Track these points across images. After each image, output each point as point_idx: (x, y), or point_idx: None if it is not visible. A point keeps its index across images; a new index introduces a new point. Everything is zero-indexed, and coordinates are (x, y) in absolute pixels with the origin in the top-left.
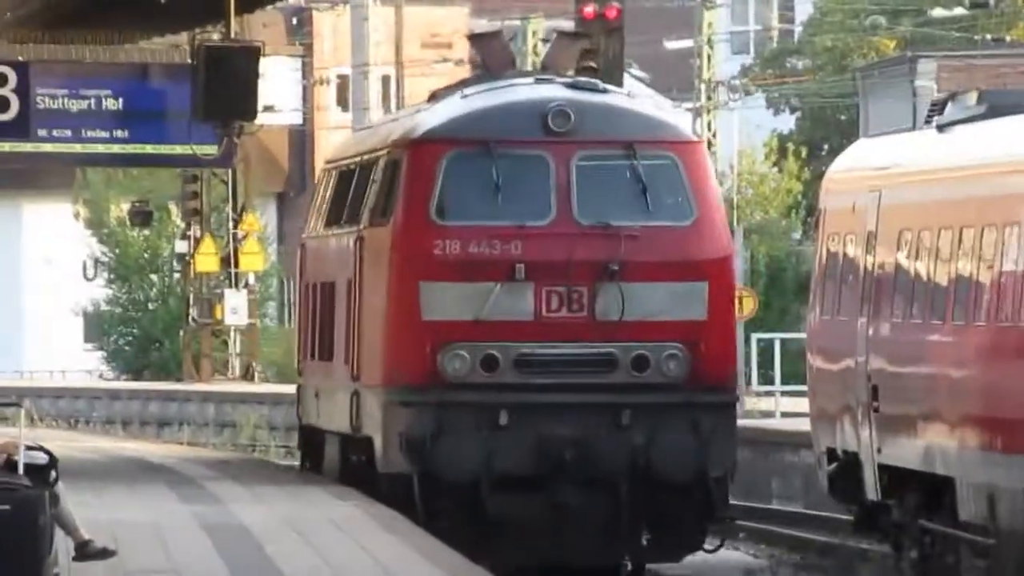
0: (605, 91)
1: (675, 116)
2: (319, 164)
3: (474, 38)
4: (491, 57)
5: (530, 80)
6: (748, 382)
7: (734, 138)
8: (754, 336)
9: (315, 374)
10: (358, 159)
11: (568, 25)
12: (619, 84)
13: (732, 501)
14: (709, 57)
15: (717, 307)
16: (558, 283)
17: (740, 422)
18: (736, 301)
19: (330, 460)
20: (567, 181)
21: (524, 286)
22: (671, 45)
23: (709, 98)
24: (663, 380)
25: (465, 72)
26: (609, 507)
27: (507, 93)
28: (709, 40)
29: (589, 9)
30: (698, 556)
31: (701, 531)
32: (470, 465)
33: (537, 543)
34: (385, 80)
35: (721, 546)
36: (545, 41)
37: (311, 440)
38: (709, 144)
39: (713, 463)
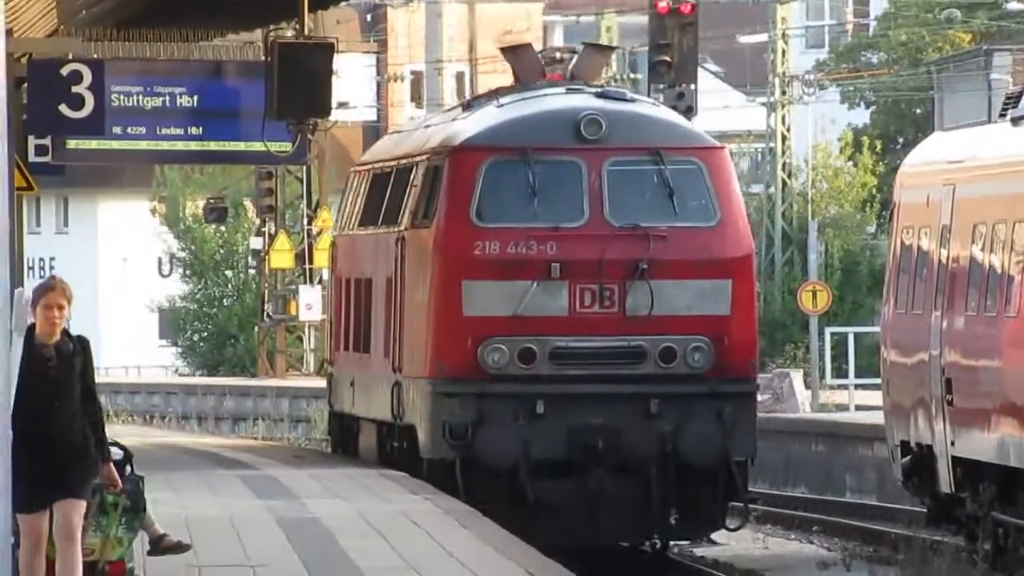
0: (633, 100)
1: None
2: None
3: (506, 50)
4: (522, 67)
5: (561, 90)
6: (822, 376)
7: (808, 132)
8: (828, 330)
9: (350, 364)
10: (394, 163)
11: (643, 21)
12: (693, 79)
13: (806, 494)
14: (783, 52)
15: (740, 303)
16: (591, 281)
17: (815, 415)
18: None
19: (366, 446)
20: (599, 185)
21: (559, 284)
22: (745, 40)
23: (783, 92)
24: (689, 371)
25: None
26: (639, 490)
27: (541, 102)
28: (783, 35)
29: (663, 4)
30: (771, 549)
31: (723, 512)
32: (509, 451)
33: (572, 525)
34: (459, 76)
35: (743, 526)
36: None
37: (343, 426)
38: (783, 138)
39: (735, 448)
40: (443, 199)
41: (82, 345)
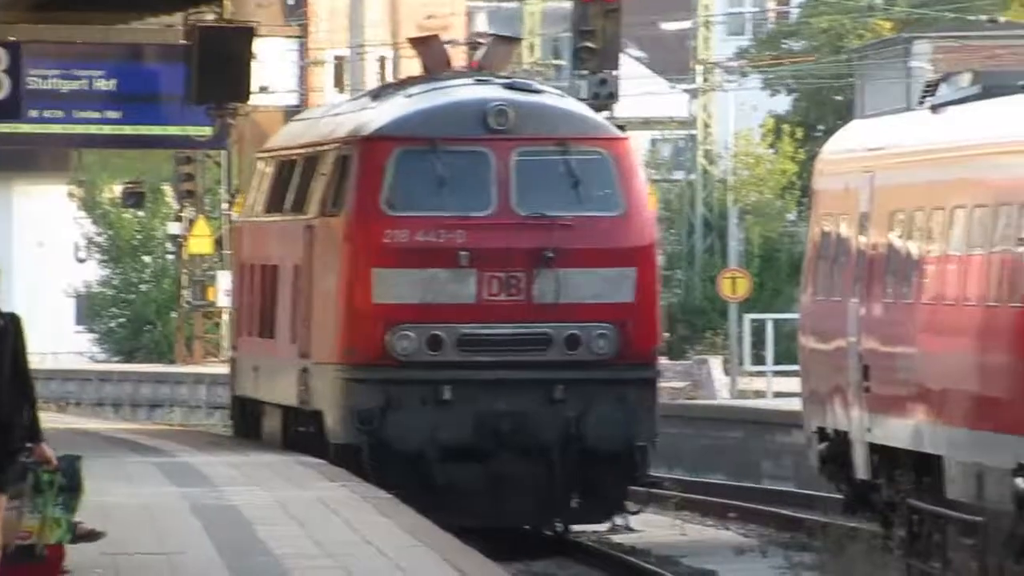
0: (540, 91)
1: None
2: None
3: (414, 40)
4: (431, 58)
5: (470, 80)
6: (740, 362)
7: (730, 119)
8: (747, 317)
9: (253, 350)
10: (301, 151)
11: (566, 7)
12: (615, 65)
13: (724, 481)
14: (706, 39)
15: (643, 291)
16: (498, 269)
17: (734, 402)
18: (731, 282)
19: (270, 431)
20: (506, 175)
21: (467, 272)
22: (668, 26)
23: (706, 79)
24: (593, 358)
25: (462, 54)
26: (543, 475)
27: (449, 93)
28: (706, 21)
29: None
30: (688, 535)
31: (624, 495)
32: (416, 437)
33: (478, 508)
34: (382, 62)
35: (641, 511)
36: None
37: (246, 412)
38: (705, 125)
39: (638, 433)
40: (353, 188)
41: (12, 322)
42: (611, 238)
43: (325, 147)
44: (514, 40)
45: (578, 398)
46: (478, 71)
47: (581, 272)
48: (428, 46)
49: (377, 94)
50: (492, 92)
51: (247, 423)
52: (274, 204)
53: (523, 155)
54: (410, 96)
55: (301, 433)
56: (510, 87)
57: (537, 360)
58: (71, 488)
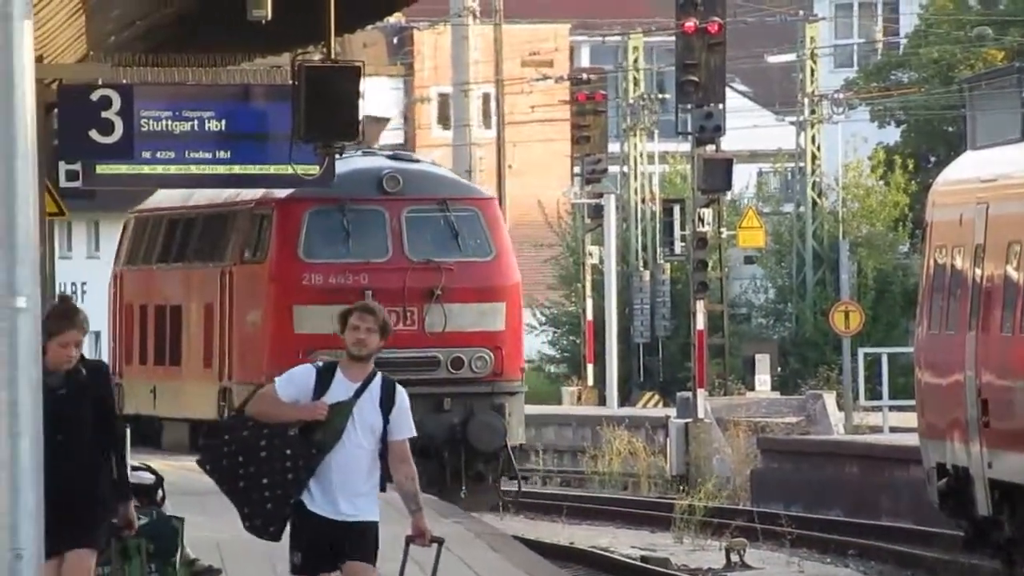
0: (419, 161)
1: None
2: None
3: None
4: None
5: (358, 153)
6: (855, 397)
7: (838, 152)
8: (861, 351)
9: (148, 375)
10: (196, 211)
11: (670, 41)
12: (721, 99)
13: (840, 517)
14: (812, 71)
15: (511, 321)
16: (396, 304)
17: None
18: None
19: (173, 441)
20: (399, 228)
21: None
22: (774, 59)
23: (813, 112)
24: (473, 375)
25: (564, 89)
26: (436, 470)
27: (346, 163)
28: (812, 54)
29: (690, 23)
30: (806, 572)
31: (499, 488)
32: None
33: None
34: (486, 98)
35: (517, 499)
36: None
37: (140, 425)
38: (813, 157)
39: (511, 435)
40: (275, 240)
41: (98, 372)
42: (485, 278)
43: (235, 207)
44: (382, 120)
45: (462, 408)
46: (356, 145)
47: (462, 306)
48: None
49: None
50: (381, 162)
51: (144, 436)
52: (169, 255)
53: (412, 212)
54: None
55: None
56: (394, 158)
57: (429, 378)
58: (165, 553)
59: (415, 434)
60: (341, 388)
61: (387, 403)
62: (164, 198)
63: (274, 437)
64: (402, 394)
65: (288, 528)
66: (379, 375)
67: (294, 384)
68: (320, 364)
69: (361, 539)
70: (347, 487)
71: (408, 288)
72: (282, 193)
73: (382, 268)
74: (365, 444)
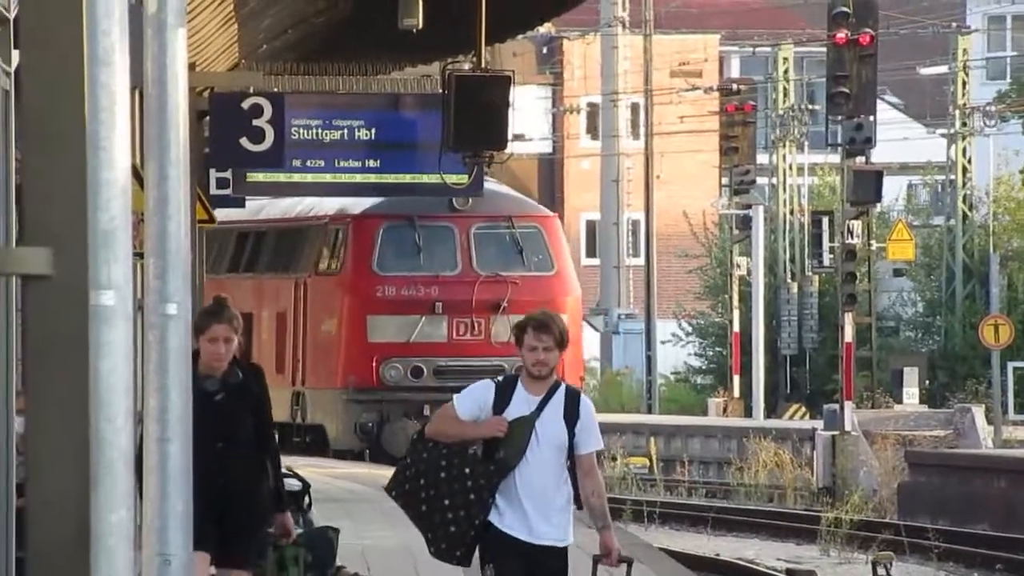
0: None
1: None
2: (569, 192)
3: None
4: None
5: None
6: (1004, 411)
7: (989, 164)
8: (1011, 364)
9: None
10: (267, 224)
11: (820, 52)
12: (872, 110)
13: (988, 531)
14: (964, 83)
15: (571, 331)
16: (464, 315)
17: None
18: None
19: None
20: (468, 244)
21: (440, 318)
22: (925, 71)
23: (964, 124)
24: None
25: (713, 100)
26: None
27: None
28: (964, 66)
29: (842, 35)
30: None
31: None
32: (404, 443)
33: None
34: (634, 108)
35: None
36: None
37: None
38: (964, 170)
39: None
40: (350, 254)
41: (255, 374)
42: (548, 291)
43: (310, 222)
44: None
45: None
46: None
47: None
48: None
49: None
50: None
51: None
52: (241, 265)
53: (480, 228)
54: None
55: (297, 443)
56: None
57: None
58: (322, 564)
59: (603, 447)
60: (522, 402)
61: (571, 415)
62: (232, 211)
63: (453, 457)
64: (587, 405)
65: (478, 550)
66: (563, 386)
67: (473, 400)
68: (500, 379)
69: (554, 568)
70: (537, 506)
71: (476, 300)
72: (357, 209)
73: (452, 281)
74: (551, 459)
